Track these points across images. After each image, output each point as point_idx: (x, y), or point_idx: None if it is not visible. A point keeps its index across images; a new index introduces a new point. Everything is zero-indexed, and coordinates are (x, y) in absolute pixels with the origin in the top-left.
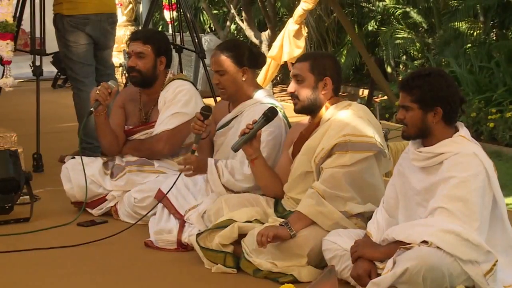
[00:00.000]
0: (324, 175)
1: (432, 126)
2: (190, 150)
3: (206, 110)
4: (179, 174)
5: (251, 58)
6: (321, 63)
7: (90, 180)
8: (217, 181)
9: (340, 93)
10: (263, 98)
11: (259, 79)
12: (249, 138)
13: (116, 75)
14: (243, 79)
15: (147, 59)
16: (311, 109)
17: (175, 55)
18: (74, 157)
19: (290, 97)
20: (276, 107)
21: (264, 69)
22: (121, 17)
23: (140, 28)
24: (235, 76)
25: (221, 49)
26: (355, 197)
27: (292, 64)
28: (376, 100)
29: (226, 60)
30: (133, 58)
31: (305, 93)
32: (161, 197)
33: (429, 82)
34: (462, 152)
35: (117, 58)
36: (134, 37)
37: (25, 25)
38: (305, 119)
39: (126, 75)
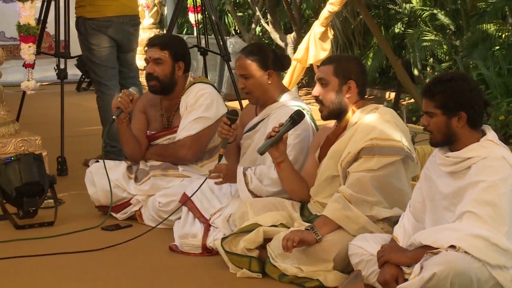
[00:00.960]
0: (350, 179)
1: (457, 131)
2: (216, 154)
3: (232, 114)
4: (205, 179)
5: (276, 61)
6: (345, 66)
7: (114, 184)
8: (244, 188)
9: (366, 96)
10: (289, 101)
11: (285, 81)
12: (275, 141)
13: (140, 78)
14: (269, 82)
15: (165, 65)
16: (337, 113)
17: (199, 58)
18: (98, 161)
19: (315, 101)
20: (303, 109)
21: (289, 72)
22: (148, 20)
23: (165, 30)
24: (260, 80)
25: (245, 53)
26: (381, 201)
27: (318, 67)
28: (403, 103)
29: (251, 64)
30: (150, 64)
31: (329, 97)
32: (185, 201)
33: (452, 87)
34: (491, 156)
35: (141, 61)
36: (151, 43)
37: (50, 28)
38: (331, 122)
39: None
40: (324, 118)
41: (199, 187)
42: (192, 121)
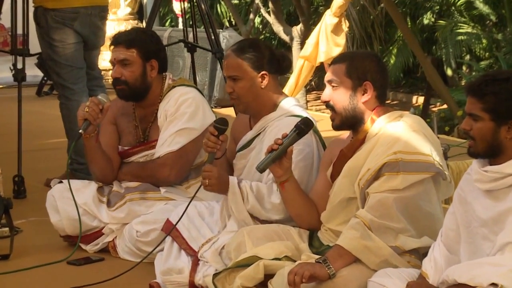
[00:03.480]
0: (370, 201)
1: (504, 142)
2: (201, 166)
3: (221, 123)
4: (192, 197)
5: (272, 61)
6: (360, 64)
7: (83, 210)
8: (241, 205)
9: (388, 102)
10: (289, 109)
11: (290, 83)
12: (278, 156)
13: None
14: (262, 86)
15: (133, 66)
16: (352, 122)
17: (187, 55)
18: (62, 181)
19: (325, 106)
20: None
21: (295, 72)
22: (123, 9)
23: (144, 22)
24: (252, 83)
25: (235, 50)
26: (408, 228)
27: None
28: (434, 109)
29: (241, 63)
30: (116, 67)
31: (341, 102)
32: (169, 229)
33: (508, 90)
34: None
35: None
36: (114, 42)
37: (5, 20)
38: (345, 133)
39: None
40: (336, 127)
41: (184, 212)
42: (174, 134)
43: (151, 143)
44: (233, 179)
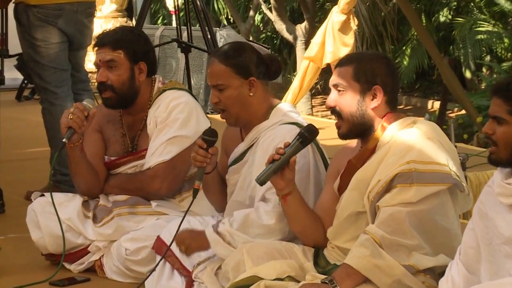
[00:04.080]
0: (381, 216)
1: None
2: (193, 189)
3: (209, 135)
4: (185, 214)
5: (260, 66)
6: (369, 67)
7: (67, 226)
8: (229, 249)
9: (401, 107)
10: (283, 117)
11: (294, 87)
12: (280, 167)
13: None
14: (251, 94)
15: (120, 69)
16: (360, 130)
17: (180, 56)
18: (44, 195)
19: (331, 112)
20: (300, 126)
21: (300, 74)
22: (109, 6)
23: (134, 20)
24: (239, 91)
25: (219, 56)
26: (423, 245)
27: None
28: (451, 115)
29: (225, 71)
30: (102, 70)
31: (348, 108)
32: (161, 248)
33: None
34: None
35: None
36: (99, 43)
37: None
38: (354, 142)
39: None
40: (343, 136)
41: (178, 229)
42: (165, 143)
43: (140, 153)
44: (208, 230)
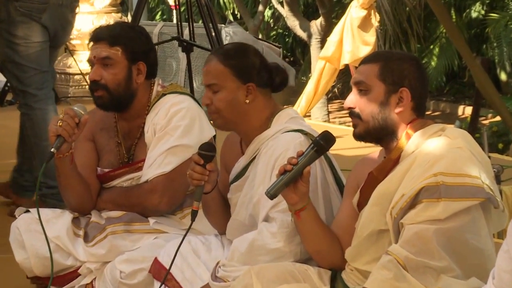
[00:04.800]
0: (406, 234)
1: None
2: (191, 210)
3: (206, 149)
4: (183, 237)
5: (262, 72)
6: (397, 67)
7: (55, 245)
8: None
9: (428, 113)
10: (285, 124)
11: (308, 90)
12: (292, 179)
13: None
14: (247, 100)
15: (116, 68)
16: (379, 135)
17: (181, 56)
18: (29, 210)
19: (349, 114)
20: (305, 134)
21: (315, 76)
22: (102, 1)
23: (129, 16)
24: (234, 95)
25: (218, 54)
26: (452, 267)
27: (356, 68)
28: (484, 122)
29: (223, 71)
30: (96, 67)
31: (370, 110)
32: (159, 272)
33: None
34: None
35: (87, 63)
36: (95, 37)
37: None
38: (375, 151)
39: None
40: (358, 136)
41: (177, 251)
42: (165, 152)
43: (137, 164)
44: (210, 283)
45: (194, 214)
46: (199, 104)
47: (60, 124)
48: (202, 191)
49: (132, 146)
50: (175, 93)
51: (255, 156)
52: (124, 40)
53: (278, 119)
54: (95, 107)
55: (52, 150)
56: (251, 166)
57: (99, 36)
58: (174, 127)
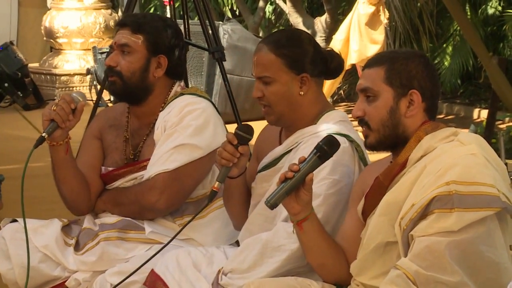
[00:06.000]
0: (416, 247)
1: None
2: (206, 211)
3: (244, 130)
4: (177, 233)
5: (315, 61)
6: (403, 68)
7: (42, 255)
8: None
9: (440, 116)
10: (333, 125)
11: None
12: (294, 187)
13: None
14: (301, 92)
15: (134, 56)
16: (392, 142)
17: None
18: (16, 220)
19: (358, 123)
20: (351, 141)
21: None
22: None
23: (120, 12)
24: (288, 87)
25: (268, 43)
26: (466, 282)
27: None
28: (501, 126)
29: (276, 61)
30: (115, 53)
31: (379, 117)
32: (156, 284)
33: None
34: None
35: (83, 60)
36: (121, 23)
37: None
38: (381, 158)
39: (99, 88)
40: (371, 147)
41: (159, 250)
42: (172, 150)
43: (142, 163)
44: None
45: (212, 194)
46: (218, 110)
47: (54, 108)
48: (227, 172)
49: (139, 144)
50: (194, 95)
51: (292, 148)
52: (148, 29)
53: (327, 117)
54: (114, 104)
55: (43, 134)
56: (285, 157)
57: (124, 21)
58: (185, 126)
